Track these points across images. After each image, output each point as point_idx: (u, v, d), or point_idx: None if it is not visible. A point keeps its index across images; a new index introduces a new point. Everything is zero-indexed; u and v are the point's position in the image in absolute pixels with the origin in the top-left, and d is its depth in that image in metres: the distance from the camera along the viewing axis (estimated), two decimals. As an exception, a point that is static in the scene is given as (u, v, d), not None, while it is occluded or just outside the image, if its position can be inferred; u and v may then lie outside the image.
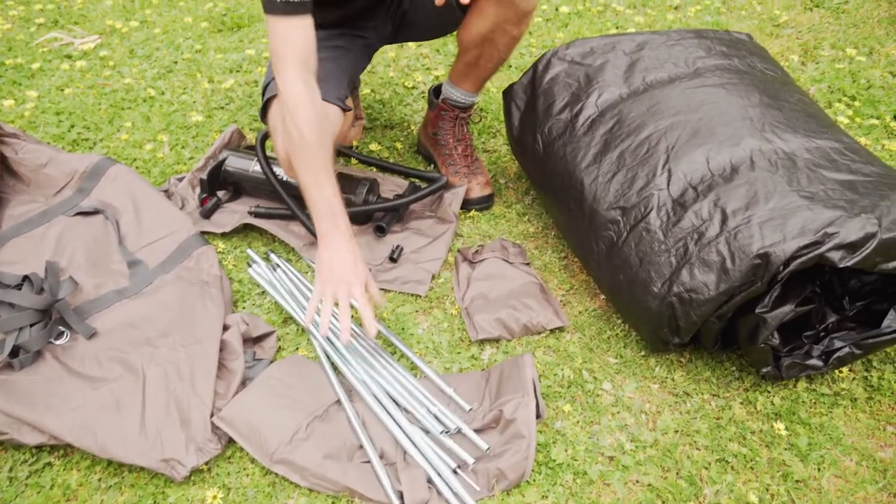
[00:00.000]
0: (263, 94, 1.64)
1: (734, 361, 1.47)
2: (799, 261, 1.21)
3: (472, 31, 1.65)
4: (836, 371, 1.46)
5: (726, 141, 1.40)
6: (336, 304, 1.39)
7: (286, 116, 1.39)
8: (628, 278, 1.40)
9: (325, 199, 1.41)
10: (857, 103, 2.28)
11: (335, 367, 1.43)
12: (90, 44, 2.52)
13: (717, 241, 1.28)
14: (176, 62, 2.44)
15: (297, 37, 1.38)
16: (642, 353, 1.48)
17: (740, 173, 1.34)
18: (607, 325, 1.54)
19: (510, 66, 2.46)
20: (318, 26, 1.63)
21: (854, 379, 1.45)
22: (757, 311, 1.28)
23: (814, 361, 1.37)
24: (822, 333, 1.42)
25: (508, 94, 1.75)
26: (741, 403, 1.39)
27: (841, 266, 1.20)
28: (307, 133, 1.38)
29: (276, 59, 1.40)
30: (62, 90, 2.27)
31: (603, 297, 1.60)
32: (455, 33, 1.74)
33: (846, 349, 1.37)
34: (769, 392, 1.41)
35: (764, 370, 1.37)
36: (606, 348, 1.49)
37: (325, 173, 1.40)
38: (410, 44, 2.56)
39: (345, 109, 1.60)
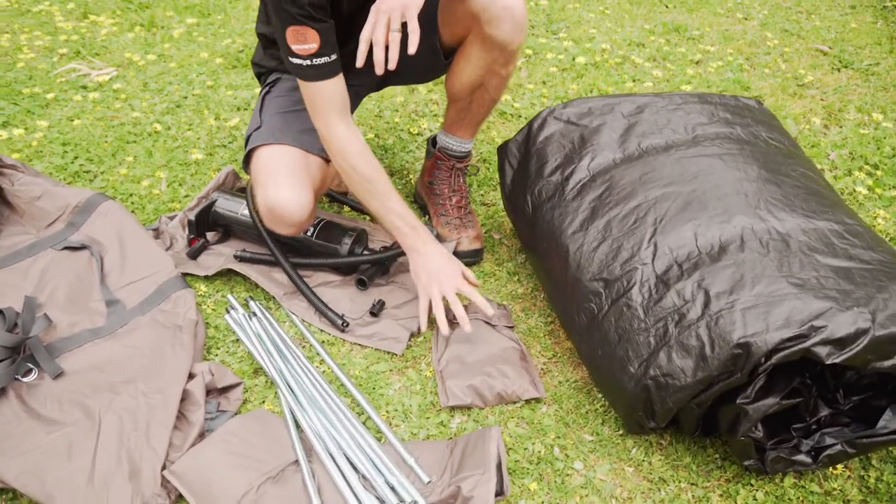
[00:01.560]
0: (247, 144, 1.63)
1: (718, 448, 1.39)
2: (782, 354, 1.13)
3: (462, 76, 1.64)
4: (830, 468, 1.37)
5: (717, 217, 1.33)
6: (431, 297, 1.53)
7: (337, 159, 1.52)
8: (606, 354, 1.33)
9: (399, 217, 1.54)
10: (879, 172, 2.19)
11: (298, 425, 1.39)
12: (106, 76, 2.55)
13: (698, 325, 1.21)
14: (186, 97, 2.45)
15: (332, 91, 1.47)
16: (620, 431, 1.41)
17: (728, 253, 1.28)
18: (587, 399, 1.47)
19: (519, 116, 2.42)
20: None
21: (849, 477, 1.36)
22: (738, 401, 1.20)
23: (802, 457, 1.28)
24: (814, 427, 1.33)
25: (503, 150, 1.71)
26: (721, 496, 1.31)
27: (828, 363, 1.13)
28: (361, 168, 1.50)
29: (315, 112, 1.49)
30: (72, 121, 2.29)
31: (585, 368, 1.53)
32: (444, 80, 1.71)
33: (838, 447, 1.28)
34: (752, 485, 1.33)
35: (746, 463, 1.28)
36: (583, 423, 1.42)
37: (388, 196, 1.53)
38: (420, 88, 2.54)
39: (327, 160, 1.61)
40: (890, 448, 1.41)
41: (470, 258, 1.79)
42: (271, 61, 1.73)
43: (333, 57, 1.43)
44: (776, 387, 1.22)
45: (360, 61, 1.41)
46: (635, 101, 1.64)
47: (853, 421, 1.32)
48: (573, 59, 2.78)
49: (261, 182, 1.54)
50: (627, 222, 1.39)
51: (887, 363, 1.15)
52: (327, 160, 1.60)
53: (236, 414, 1.41)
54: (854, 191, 2.10)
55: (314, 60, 1.41)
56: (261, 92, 1.73)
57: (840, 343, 1.13)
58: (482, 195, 2.04)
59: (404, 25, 1.38)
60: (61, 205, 1.80)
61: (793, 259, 1.25)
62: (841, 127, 2.43)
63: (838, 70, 2.82)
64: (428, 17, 1.62)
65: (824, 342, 1.12)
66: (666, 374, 1.22)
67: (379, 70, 1.40)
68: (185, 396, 1.37)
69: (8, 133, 2.21)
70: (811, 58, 2.91)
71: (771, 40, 3.04)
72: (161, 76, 2.58)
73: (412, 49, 1.44)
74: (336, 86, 1.46)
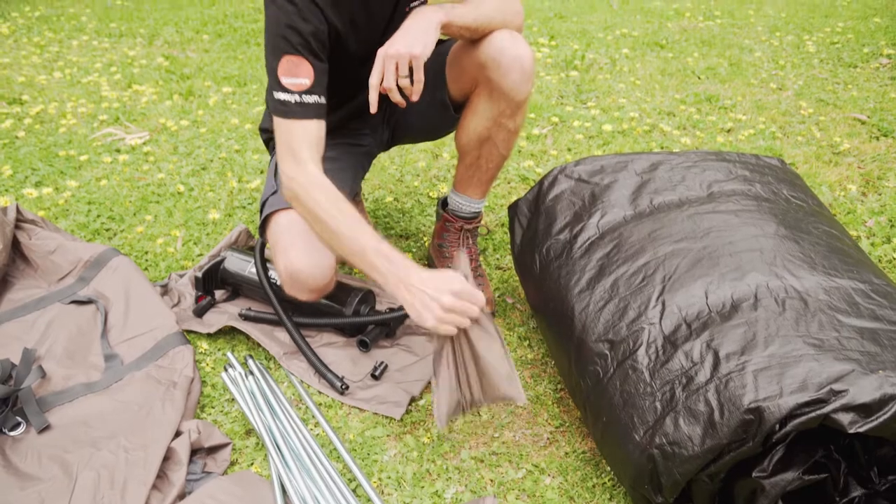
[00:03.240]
0: (262, 209, 1.60)
1: (739, 530, 1.26)
2: (798, 420, 1.02)
3: (469, 130, 1.61)
4: (866, 556, 1.23)
5: (729, 274, 1.25)
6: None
7: (302, 196, 1.38)
8: (611, 421, 1.23)
9: (373, 254, 1.30)
10: (919, 240, 2.07)
11: (284, 491, 1.31)
12: (138, 139, 2.62)
13: (707, 389, 1.11)
14: (212, 160, 2.50)
15: (313, 131, 1.40)
16: (630, 508, 1.29)
17: (741, 311, 1.19)
18: (594, 472, 1.36)
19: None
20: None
21: (887, 567, 1.20)
22: (754, 475, 1.09)
23: (831, 542, 1.15)
24: (846, 509, 1.19)
25: (513, 209, 1.67)
26: (741, 584, 1.17)
27: (851, 432, 1.01)
28: (325, 205, 1.35)
29: (286, 148, 1.41)
30: (100, 181, 2.34)
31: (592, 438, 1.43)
32: (453, 137, 1.69)
33: (872, 531, 1.14)
34: (777, 573, 1.19)
35: (767, 546, 1.15)
36: (590, 498, 1.31)
37: (357, 234, 1.33)
38: (444, 154, 2.54)
39: None
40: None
41: (478, 321, 1.71)
42: None
43: (322, 100, 1.40)
44: (797, 459, 1.10)
45: (373, 108, 1.41)
46: (650, 158, 1.59)
47: (891, 503, 1.19)
48: (600, 127, 2.76)
49: (281, 248, 1.51)
50: (635, 280, 1.32)
51: (921, 435, 1.03)
52: None
53: (223, 475, 1.35)
54: (893, 258, 1.98)
55: (303, 97, 1.38)
56: (272, 157, 1.73)
57: (865, 410, 1.01)
58: (497, 259, 1.99)
59: (411, 72, 1.38)
60: (73, 259, 1.81)
61: (811, 318, 1.15)
62: (880, 194, 2.33)
63: (877, 139, 2.73)
64: (436, 71, 1.63)
65: (846, 408, 1.01)
66: (672, 442, 1.12)
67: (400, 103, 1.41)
68: (168, 455, 1.32)
69: (38, 192, 2.27)
70: (848, 126, 2.83)
71: (805, 109, 2.98)
72: (191, 140, 2.65)
73: (415, 97, 1.43)
74: (318, 128, 1.41)
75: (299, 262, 1.48)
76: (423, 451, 1.40)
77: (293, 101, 1.37)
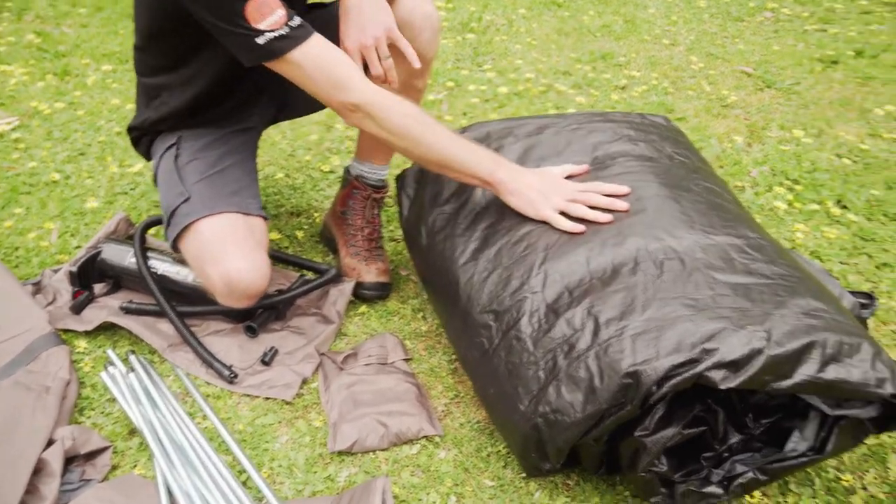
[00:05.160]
0: (172, 217, 1.49)
1: (628, 485, 1.28)
2: (673, 381, 1.04)
3: None
4: (748, 496, 1.28)
5: (610, 239, 1.25)
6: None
7: (387, 121, 1.34)
8: (498, 392, 1.23)
9: (471, 154, 1.36)
10: (798, 187, 2.14)
11: (170, 492, 1.26)
12: (6, 126, 2.44)
13: (587, 356, 1.12)
14: (90, 145, 2.35)
15: (329, 44, 1.33)
16: (524, 474, 1.30)
17: (621, 276, 1.19)
18: (489, 441, 1.36)
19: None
20: (209, 123, 1.56)
21: (767, 507, 1.26)
22: (636, 434, 1.11)
23: (713, 489, 1.18)
24: (726, 455, 1.23)
25: (400, 180, 1.63)
26: (632, 539, 1.20)
27: (723, 388, 1.04)
28: (410, 108, 1.36)
29: (329, 83, 1.33)
30: (-39, 174, 2.17)
31: (488, 408, 1.43)
32: None
33: (749, 474, 1.18)
34: (666, 525, 1.22)
35: (653, 500, 1.18)
36: (484, 468, 1.31)
37: (449, 139, 1.36)
38: (338, 125, 2.47)
39: (265, 218, 1.56)
40: (808, 471, 1.32)
41: (376, 291, 1.69)
42: (159, 113, 1.59)
43: (301, 20, 1.31)
44: (676, 416, 1.12)
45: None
46: (536, 122, 1.57)
47: (766, 446, 1.24)
48: (496, 90, 2.74)
49: (210, 259, 1.44)
50: (518, 249, 1.31)
51: (786, 383, 1.06)
52: (265, 218, 1.54)
53: (103, 481, 1.28)
54: (774, 206, 2.05)
55: (290, 24, 1.28)
56: (160, 159, 1.60)
57: (734, 366, 1.04)
58: (391, 231, 1.95)
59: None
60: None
61: (688, 279, 1.17)
62: (763, 144, 2.40)
63: (762, 90, 2.81)
64: (334, 38, 1.56)
65: (717, 366, 1.04)
66: (555, 410, 1.12)
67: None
68: (40, 467, 1.23)
69: None
70: (735, 79, 2.90)
71: (696, 64, 3.03)
72: (67, 124, 2.47)
73: (417, 63, 1.44)
74: (327, 39, 1.33)
75: (237, 269, 1.43)
76: (316, 435, 1.37)
77: (287, 33, 1.27)
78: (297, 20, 1.30)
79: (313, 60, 1.31)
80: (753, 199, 2.09)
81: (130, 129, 1.68)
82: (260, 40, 1.27)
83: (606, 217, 1.28)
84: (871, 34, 3.30)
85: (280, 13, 1.26)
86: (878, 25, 3.40)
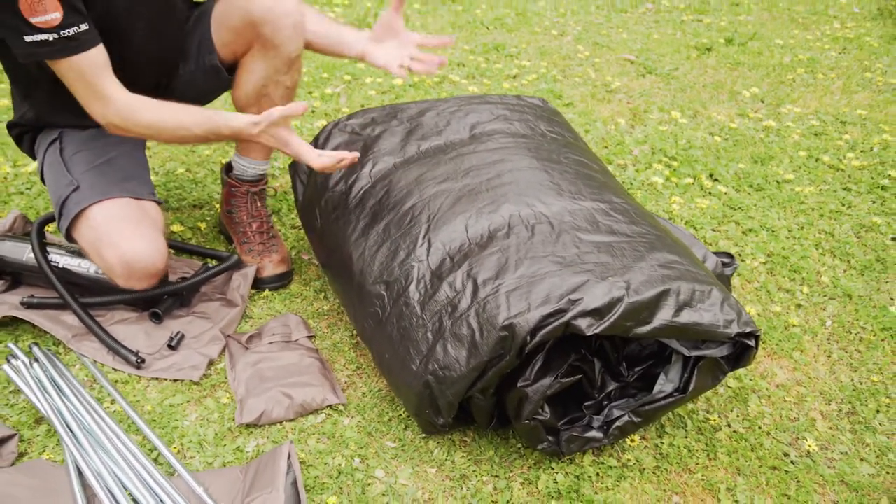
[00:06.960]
0: (63, 208, 1.50)
1: (521, 438, 1.39)
2: (544, 331, 1.15)
3: (245, 87, 1.61)
4: (629, 440, 1.40)
5: (486, 207, 1.35)
6: None
7: (132, 120, 1.38)
8: (392, 356, 1.31)
9: (218, 123, 1.40)
10: (675, 163, 2.32)
11: (80, 473, 1.28)
12: None
13: (468, 314, 1.21)
14: (-22, 146, 2.29)
15: (98, 57, 1.34)
16: (423, 435, 1.39)
17: (496, 240, 1.30)
18: (391, 407, 1.44)
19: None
20: (87, 115, 1.56)
21: (645, 447, 1.39)
22: (519, 385, 1.21)
23: (594, 433, 1.31)
24: (605, 402, 1.36)
25: (293, 167, 1.69)
26: (522, 483, 1.31)
27: (589, 334, 1.15)
28: (166, 115, 1.40)
29: (86, 87, 1.34)
30: None
31: (387, 376, 1.51)
32: (232, 97, 1.67)
33: (625, 418, 1.31)
34: (553, 469, 1.33)
35: (540, 447, 1.29)
36: (386, 431, 1.39)
37: (188, 115, 1.41)
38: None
39: (159, 202, 1.58)
40: (681, 413, 1.46)
41: (275, 283, 1.74)
42: (35, 109, 1.58)
43: (86, 26, 1.29)
44: (554, 365, 1.24)
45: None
46: (418, 106, 1.67)
47: (641, 392, 1.36)
48: (392, 82, 2.82)
49: (106, 243, 1.46)
50: (404, 222, 1.39)
51: (646, 328, 1.18)
52: (159, 202, 1.57)
53: (10, 467, 1.29)
54: (653, 181, 2.21)
55: (62, 32, 1.26)
56: (45, 154, 1.59)
57: (598, 313, 1.15)
58: (293, 219, 2.00)
59: None
60: None
61: (556, 239, 1.28)
62: (644, 125, 2.58)
63: (643, 76, 3.00)
64: (202, 36, 1.60)
65: (583, 314, 1.15)
66: (444, 366, 1.21)
67: None
68: (-59, 460, 1.24)
69: None
70: (619, 66, 3.09)
71: (583, 52, 3.21)
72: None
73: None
74: (101, 53, 1.33)
75: (134, 250, 1.46)
76: (224, 411, 1.42)
77: (53, 39, 1.25)
78: (71, 31, 1.27)
79: (76, 68, 1.32)
80: (635, 176, 2.25)
81: (11, 126, 1.66)
82: (27, 38, 1.25)
83: None
84: (740, 24, 3.57)
85: (55, 15, 1.24)
86: (747, 16, 3.68)
